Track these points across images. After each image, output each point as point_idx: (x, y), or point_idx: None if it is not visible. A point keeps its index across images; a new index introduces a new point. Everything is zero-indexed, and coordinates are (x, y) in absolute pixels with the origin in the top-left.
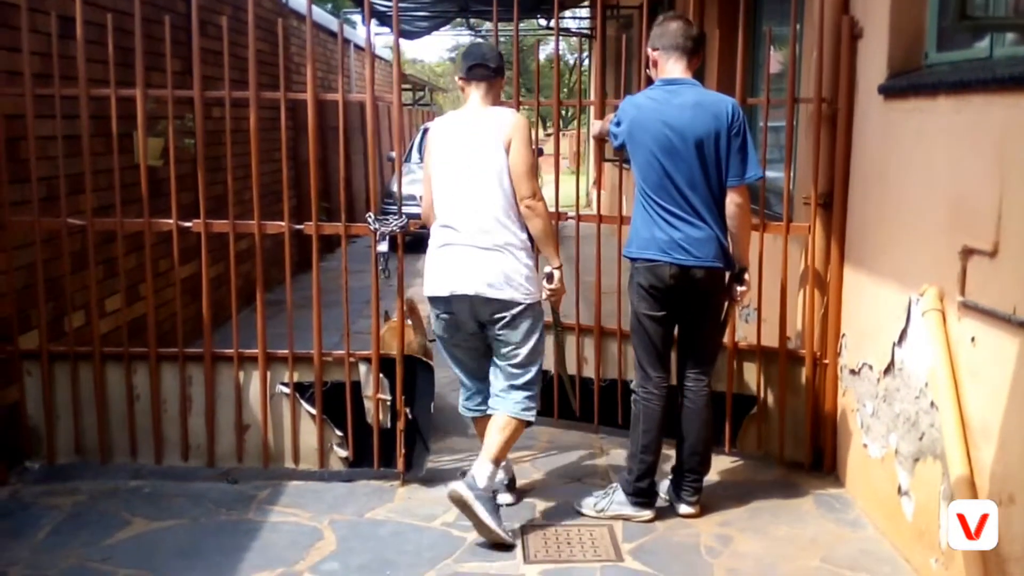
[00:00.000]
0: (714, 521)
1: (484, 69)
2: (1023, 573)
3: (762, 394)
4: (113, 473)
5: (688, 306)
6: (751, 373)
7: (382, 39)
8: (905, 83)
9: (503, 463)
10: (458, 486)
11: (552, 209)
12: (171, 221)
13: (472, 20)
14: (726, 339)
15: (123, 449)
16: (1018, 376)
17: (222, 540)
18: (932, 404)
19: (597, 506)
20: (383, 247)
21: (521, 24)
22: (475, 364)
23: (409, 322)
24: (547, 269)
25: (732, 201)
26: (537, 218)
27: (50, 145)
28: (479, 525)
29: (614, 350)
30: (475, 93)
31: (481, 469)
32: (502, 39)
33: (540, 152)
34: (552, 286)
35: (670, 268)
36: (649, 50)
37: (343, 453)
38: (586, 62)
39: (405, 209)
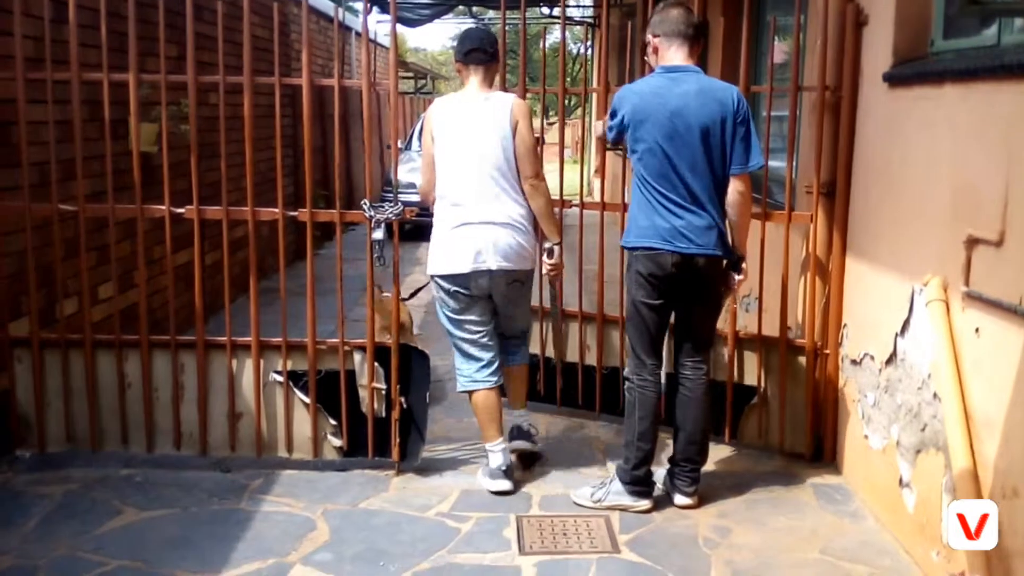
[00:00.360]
0: (712, 512)
1: (482, 53)
2: None
3: (762, 384)
4: (104, 461)
5: (686, 294)
6: (751, 362)
7: (384, 27)
8: (910, 71)
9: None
10: (521, 444)
11: (556, 197)
12: (164, 207)
13: (475, 8)
14: (727, 328)
15: (115, 437)
16: (1023, 368)
17: (214, 530)
18: (935, 395)
19: (594, 496)
20: (378, 235)
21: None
22: (488, 332)
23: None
24: (547, 244)
25: (735, 189)
26: (540, 196)
27: (42, 130)
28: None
29: (616, 338)
30: (474, 77)
31: (521, 415)
32: (505, 27)
33: (541, 141)
34: (553, 261)
35: (672, 256)
36: (649, 36)
37: (337, 442)
38: (590, 51)
39: (403, 197)
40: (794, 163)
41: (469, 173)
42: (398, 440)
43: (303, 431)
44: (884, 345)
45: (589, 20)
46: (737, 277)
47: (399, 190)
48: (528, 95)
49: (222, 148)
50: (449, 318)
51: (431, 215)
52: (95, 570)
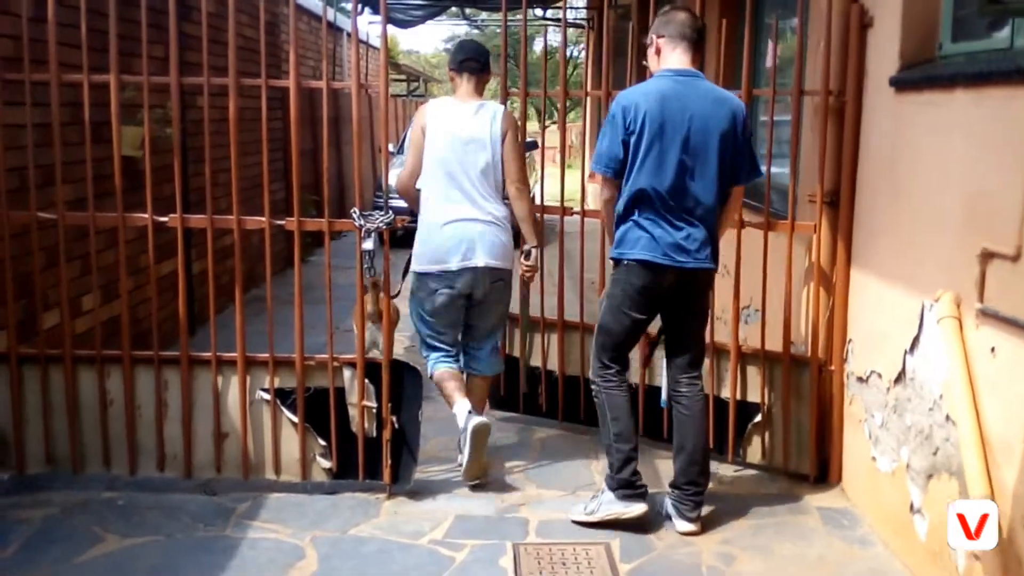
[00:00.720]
0: (715, 539)
1: (475, 63)
2: None
3: (766, 401)
4: (86, 484)
5: (678, 307)
6: (754, 378)
7: (375, 28)
8: (919, 75)
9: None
10: (478, 420)
11: (555, 204)
12: (146, 216)
13: (468, 9)
14: (729, 342)
15: (96, 458)
16: None
17: (198, 558)
18: (947, 417)
19: (587, 508)
20: (368, 244)
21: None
22: (456, 330)
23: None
24: (526, 247)
25: (735, 198)
26: (524, 199)
27: (21, 134)
28: (478, 460)
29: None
30: (466, 85)
31: (471, 409)
32: (498, 30)
33: (535, 145)
34: (530, 263)
35: (671, 271)
36: (652, 37)
37: (327, 464)
38: (582, 53)
39: (394, 203)
40: (796, 171)
41: (460, 174)
42: (389, 462)
43: (291, 452)
44: (892, 362)
45: (581, 22)
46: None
47: (391, 196)
48: (511, 97)
49: (206, 153)
50: (422, 316)
51: None
52: None
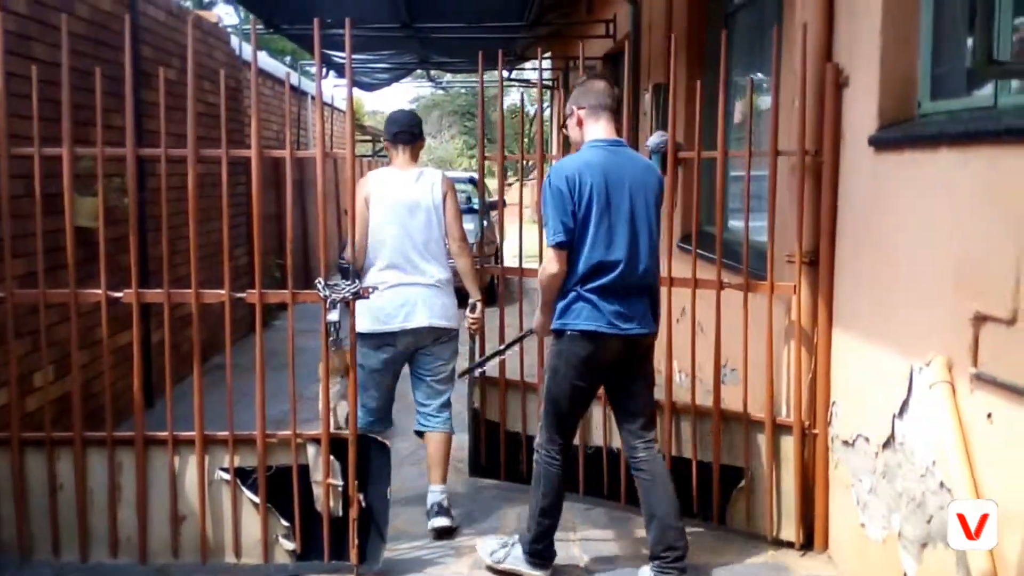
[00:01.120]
0: None
1: (407, 135)
2: None
3: (749, 465)
4: (33, 572)
5: (623, 374)
6: (738, 442)
7: (341, 91)
8: (900, 134)
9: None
10: (442, 521)
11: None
12: (99, 292)
13: (433, 71)
14: (710, 404)
15: (45, 544)
16: None
17: None
18: (941, 485)
19: (495, 556)
20: (334, 316)
21: (485, 75)
22: (391, 393)
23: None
24: (471, 301)
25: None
26: (466, 256)
27: None
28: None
29: (598, 416)
30: (402, 155)
31: (440, 492)
32: (463, 91)
33: (503, 204)
34: (475, 315)
35: (615, 339)
36: (574, 108)
37: (290, 545)
38: (547, 112)
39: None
40: (773, 231)
41: (403, 240)
42: (356, 542)
43: (252, 533)
44: (880, 427)
45: (547, 83)
46: None
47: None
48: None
49: (163, 224)
50: (366, 373)
51: None
52: None
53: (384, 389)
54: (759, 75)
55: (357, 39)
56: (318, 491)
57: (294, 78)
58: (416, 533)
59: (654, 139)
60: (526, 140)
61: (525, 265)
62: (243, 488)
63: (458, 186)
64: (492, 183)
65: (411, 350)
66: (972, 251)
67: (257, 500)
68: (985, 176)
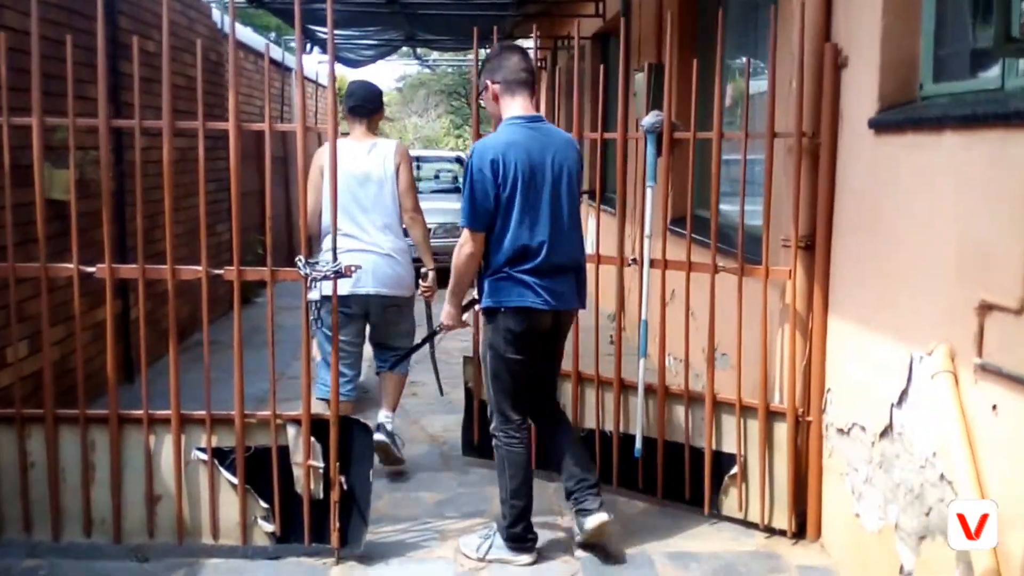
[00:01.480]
0: None
1: (362, 108)
2: None
3: (741, 453)
4: (4, 551)
5: (547, 347)
6: (730, 428)
7: (326, 68)
8: (902, 116)
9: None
10: (380, 437)
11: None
12: (71, 266)
13: (419, 49)
14: (704, 391)
15: (16, 523)
16: None
17: None
18: (942, 477)
19: (480, 549)
20: (314, 295)
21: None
22: (356, 352)
23: None
24: (423, 270)
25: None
26: (419, 227)
27: None
28: (391, 459)
29: (591, 398)
30: (358, 127)
31: (387, 417)
32: (449, 70)
33: None
34: (427, 284)
35: (547, 314)
36: (487, 82)
37: (269, 527)
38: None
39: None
40: (769, 214)
41: (355, 209)
42: (338, 525)
43: (230, 515)
44: (877, 416)
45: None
46: None
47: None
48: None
49: (138, 199)
50: (324, 334)
51: None
52: None
53: (345, 348)
54: (754, 57)
55: (341, 14)
56: (298, 473)
57: (277, 52)
58: (399, 516)
59: (649, 119)
60: None
61: None
62: (221, 468)
63: (444, 165)
64: None
65: (363, 313)
66: (977, 237)
67: (235, 481)
68: (992, 160)
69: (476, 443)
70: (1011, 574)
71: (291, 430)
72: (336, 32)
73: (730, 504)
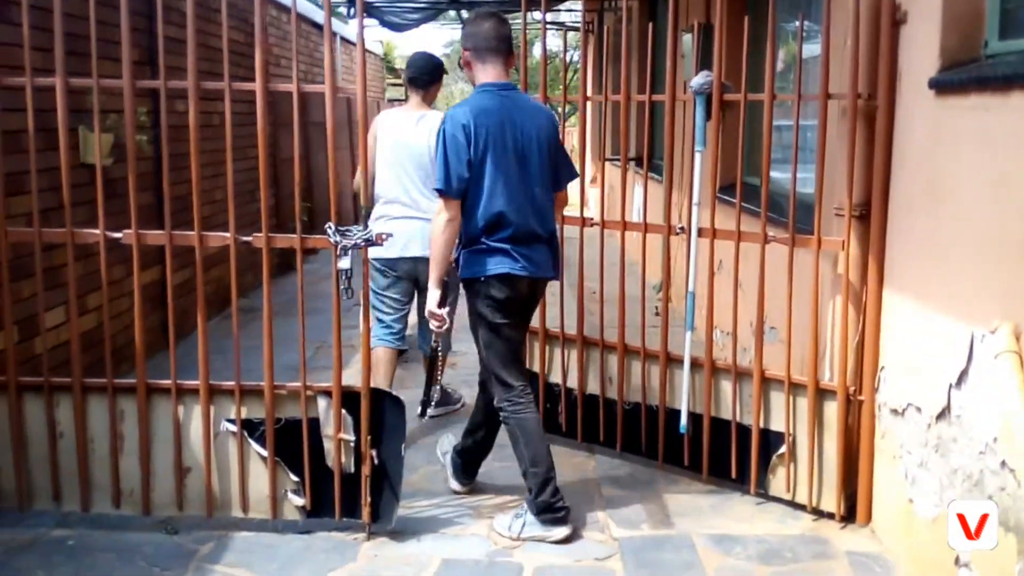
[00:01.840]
0: None
1: (419, 80)
2: None
3: (790, 431)
4: (34, 521)
5: (524, 312)
6: (779, 406)
7: (372, 32)
8: (965, 76)
9: None
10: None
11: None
12: (97, 231)
13: (464, 13)
14: (752, 366)
15: (46, 493)
16: None
17: None
18: (1003, 464)
19: (512, 528)
20: (345, 263)
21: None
22: (404, 310)
23: None
24: None
25: (559, 203)
26: None
27: None
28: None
29: (636, 370)
30: (414, 97)
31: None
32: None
33: None
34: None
35: (525, 281)
36: (463, 50)
37: (299, 501)
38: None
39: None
40: (822, 181)
41: (403, 176)
42: (369, 500)
43: (260, 488)
44: (933, 396)
45: (578, 26)
46: None
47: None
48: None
49: (164, 163)
50: (375, 292)
51: None
52: None
53: (393, 304)
54: (807, 15)
55: None
56: (329, 446)
57: (318, 14)
58: (434, 490)
59: (698, 79)
60: (561, 87)
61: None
62: (250, 440)
63: None
64: None
65: (411, 278)
66: None
67: (265, 453)
68: None
69: None
70: None
71: (322, 402)
72: None
73: (778, 484)
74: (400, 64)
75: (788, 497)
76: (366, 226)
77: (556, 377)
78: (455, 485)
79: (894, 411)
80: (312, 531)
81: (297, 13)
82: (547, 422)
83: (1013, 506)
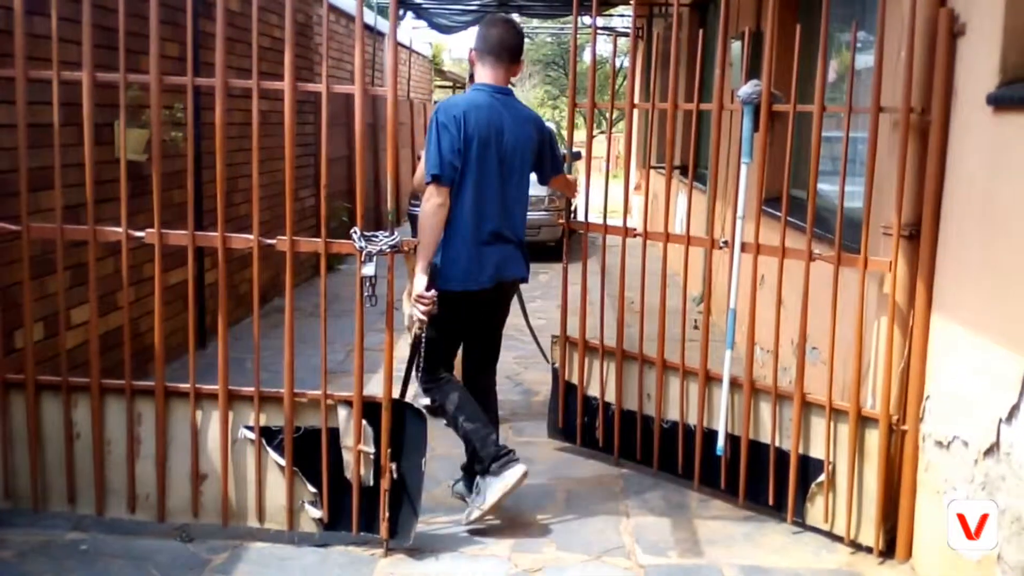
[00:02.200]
0: None
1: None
2: None
3: (830, 459)
4: (49, 522)
5: (491, 314)
6: (819, 431)
7: (420, 34)
8: None
9: None
10: None
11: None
12: (119, 230)
13: (515, 16)
14: (792, 388)
15: (61, 495)
16: None
17: None
18: None
19: (473, 509)
20: (369, 270)
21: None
22: None
23: None
24: None
25: (565, 184)
26: None
27: (4, 136)
28: None
29: (675, 389)
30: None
31: None
32: (548, 39)
33: (579, 155)
34: None
35: (488, 290)
36: (471, 50)
37: (316, 513)
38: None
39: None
40: (870, 198)
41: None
42: (387, 514)
43: (277, 498)
44: (982, 430)
45: (628, 31)
46: None
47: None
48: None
49: (189, 163)
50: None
51: None
52: None
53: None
54: (861, 26)
55: None
56: (348, 457)
57: (370, 16)
58: (455, 505)
59: (746, 88)
60: (612, 95)
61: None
62: (268, 449)
63: None
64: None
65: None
66: None
67: (283, 463)
68: None
69: (562, 426)
70: None
71: (342, 412)
72: None
73: (815, 514)
74: (448, 66)
75: (826, 527)
76: (394, 232)
77: (594, 390)
78: (476, 513)
79: (939, 443)
80: (328, 544)
81: (349, 14)
82: (584, 436)
83: None
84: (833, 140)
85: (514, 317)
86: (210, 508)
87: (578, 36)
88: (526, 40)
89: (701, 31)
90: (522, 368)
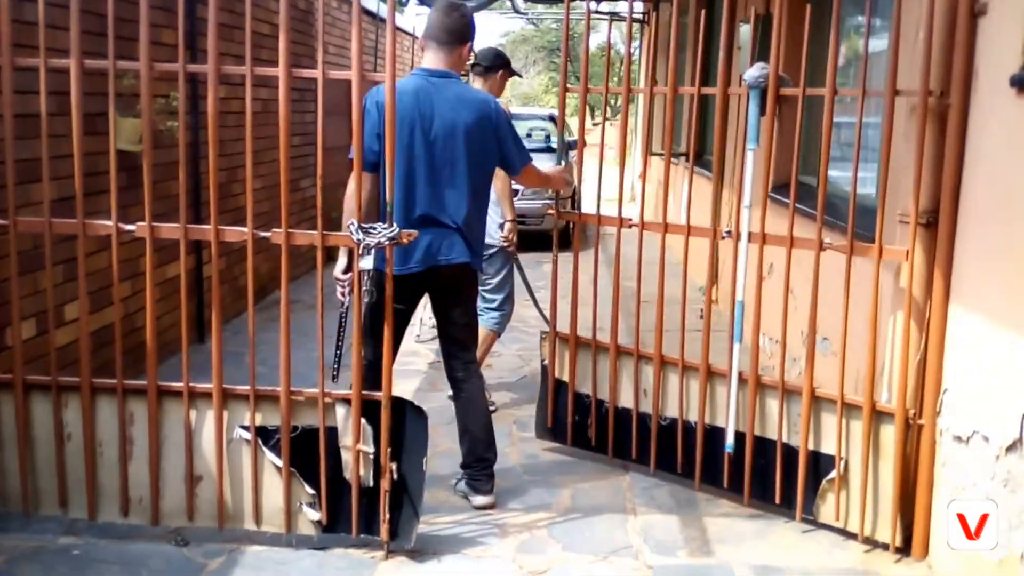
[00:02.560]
0: None
1: (477, 68)
2: None
3: (842, 455)
4: (40, 527)
5: (440, 298)
6: (830, 427)
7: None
8: None
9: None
10: None
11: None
12: (110, 223)
13: (520, 3)
14: (803, 384)
15: (52, 498)
16: None
17: None
18: None
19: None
20: (367, 263)
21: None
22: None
23: None
24: (500, 220)
25: (537, 176)
26: (499, 180)
27: None
28: None
29: (674, 385)
30: (475, 83)
31: None
32: (553, 25)
33: (573, 145)
34: (504, 234)
35: (421, 274)
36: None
37: (315, 515)
38: (637, 50)
39: None
40: (885, 185)
41: None
42: (387, 516)
43: (274, 500)
44: (1004, 426)
45: (637, 16)
46: None
47: None
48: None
49: (180, 154)
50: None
51: None
52: None
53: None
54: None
55: None
56: (347, 457)
57: (372, 1)
58: (458, 505)
59: (753, 72)
60: (614, 79)
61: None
62: (265, 449)
63: (537, 123)
64: (574, 123)
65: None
66: None
67: (280, 463)
68: None
69: (551, 425)
70: None
71: (340, 410)
72: None
73: (827, 511)
74: None
75: (838, 524)
76: (392, 224)
77: (586, 388)
78: (479, 501)
79: (957, 438)
80: (327, 547)
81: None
82: (575, 435)
83: None
84: (842, 126)
85: (516, 312)
86: (205, 511)
87: (579, 21)
88: (530, 26)
89: (706, 13)
90: (524, 362)
